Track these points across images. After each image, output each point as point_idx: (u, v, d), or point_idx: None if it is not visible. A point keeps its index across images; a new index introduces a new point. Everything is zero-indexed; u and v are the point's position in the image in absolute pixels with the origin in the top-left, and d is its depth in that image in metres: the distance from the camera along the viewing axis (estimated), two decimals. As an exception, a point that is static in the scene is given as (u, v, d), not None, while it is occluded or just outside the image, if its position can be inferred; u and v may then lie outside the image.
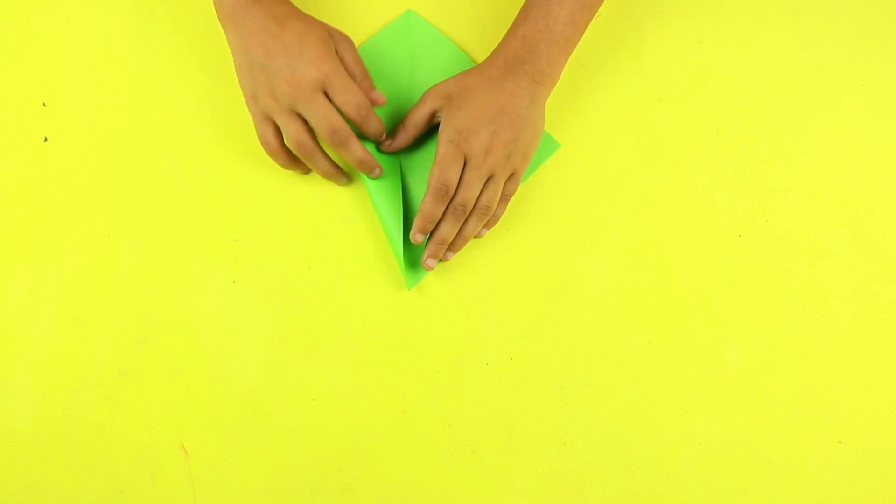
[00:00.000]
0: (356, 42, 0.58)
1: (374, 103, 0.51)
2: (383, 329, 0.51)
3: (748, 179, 0.56)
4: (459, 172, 0.50)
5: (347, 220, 0.53)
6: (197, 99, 0.57)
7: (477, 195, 0.50)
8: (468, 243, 0.52)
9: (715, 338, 0.51)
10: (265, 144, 0.51)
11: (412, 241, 0.50)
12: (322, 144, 0.51)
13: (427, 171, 0.54)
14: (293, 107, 0.48)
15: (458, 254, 0.52)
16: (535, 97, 0.51)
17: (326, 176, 0.52)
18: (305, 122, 0.49)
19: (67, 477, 0.47)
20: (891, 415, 0.50)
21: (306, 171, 0.54)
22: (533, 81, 0.51)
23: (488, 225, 0.53)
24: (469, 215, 0.51)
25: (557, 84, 0.54)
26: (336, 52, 0.50)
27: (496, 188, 0.50)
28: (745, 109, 0.58)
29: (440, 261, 0.52)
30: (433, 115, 0.52)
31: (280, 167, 0.53)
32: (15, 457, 0.48)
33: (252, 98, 0.50)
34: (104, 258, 0.52)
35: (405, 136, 0.53)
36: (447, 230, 0.50)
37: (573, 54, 0.54)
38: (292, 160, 0.52)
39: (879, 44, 0.60)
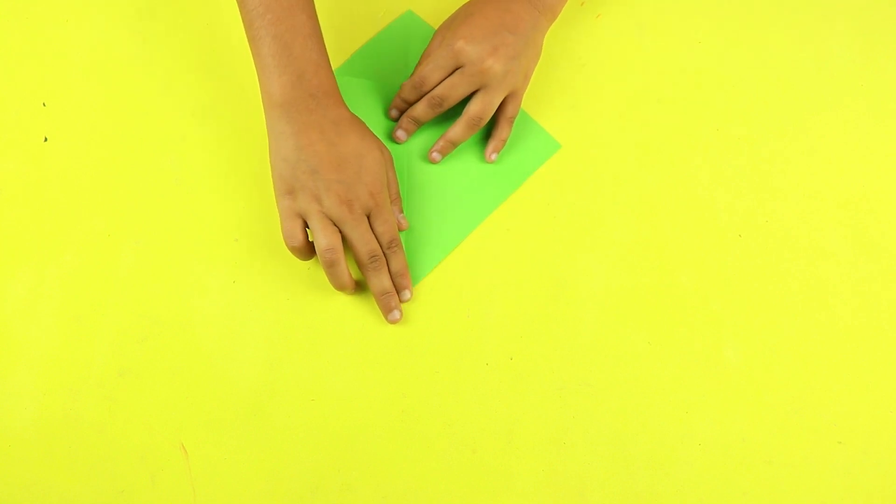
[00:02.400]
0: (356, 44, 0.58)
1: (399, 228, 0.52)
2: (383, 329, 0.51)
3: (748, 179, 0.56)
4: (443, 76, 0.51)
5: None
6: (197, 99, 0.57)
7: (459, 98, 0.52)
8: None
9: (715, 338, 0.51)
10: (291, 239, 0.48)
11: (393, 138, 0.53)
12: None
13: (431, 181, 0.55)
14: (336, 221, 0.48)
15: (456, 253, 0.52)
16: (538, 24, 0.52)
17: (340, 287, 0.50)
18: (339, 232, 0.48)
19: (67, 477, 0.47)
20: (891, 415, 0.50)
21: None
22: (535, 9, 0.52)
23: (497, 149, 0.54)
24: (457, 122, 0.53)
25: (557, 83, 0.54)
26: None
27: (489, 99, 0.51)
28: (744, 109, 0.58)
29: (431, 162, 0.54)
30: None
31: (298, 259, 0.51)
32: (15, 456, 0.48)
33: (289, 194, 0.47)
34: (104, 258, 0.52)
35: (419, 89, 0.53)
36: (421, 111, 0.52)
37: (573, 52, 0.54)
38: (310, 256, 0.50)
39: (879, 44, 0.60)
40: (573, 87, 0.57)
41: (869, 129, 0.57)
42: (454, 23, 0.52)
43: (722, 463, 0.48)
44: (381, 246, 0.49)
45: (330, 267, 0.48)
